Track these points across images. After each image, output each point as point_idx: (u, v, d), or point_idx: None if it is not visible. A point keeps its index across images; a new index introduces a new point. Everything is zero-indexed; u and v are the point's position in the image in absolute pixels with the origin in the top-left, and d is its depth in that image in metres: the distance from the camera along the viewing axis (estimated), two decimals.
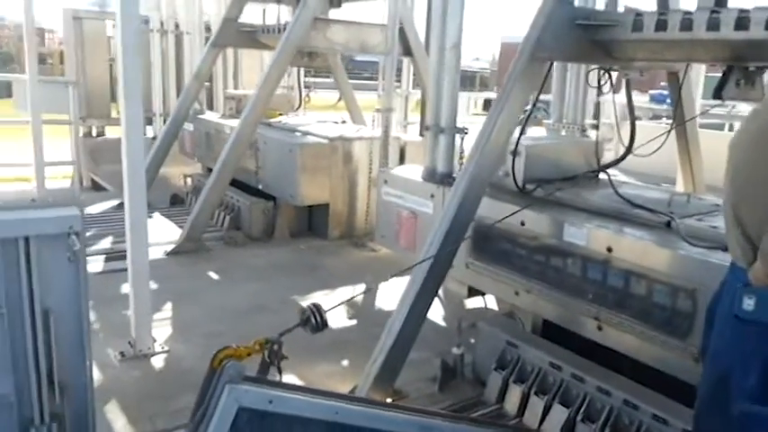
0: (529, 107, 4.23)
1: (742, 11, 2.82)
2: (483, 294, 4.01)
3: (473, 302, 4.23)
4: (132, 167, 3.54)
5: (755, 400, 1.83)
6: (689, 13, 3.04)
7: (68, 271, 2.37)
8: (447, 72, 4.12)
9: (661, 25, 3.10)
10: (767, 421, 1.82)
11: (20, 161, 8.35)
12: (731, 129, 8.86)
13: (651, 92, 11.24)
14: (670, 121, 5.33)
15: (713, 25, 2.91)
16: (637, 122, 4.19)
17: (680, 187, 4.85)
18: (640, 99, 11.31)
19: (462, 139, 4.29)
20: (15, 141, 10.55)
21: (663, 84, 8.07)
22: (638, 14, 3.21)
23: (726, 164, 1.97)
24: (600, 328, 3.04)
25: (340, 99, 8.30)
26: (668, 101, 6.98)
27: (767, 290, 1.82)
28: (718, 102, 4.03)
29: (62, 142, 8.51)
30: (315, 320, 2.40)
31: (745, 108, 6.73)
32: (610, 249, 2.96)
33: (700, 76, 7.68)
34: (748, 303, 1.84)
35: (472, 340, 3.68)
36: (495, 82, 28.23)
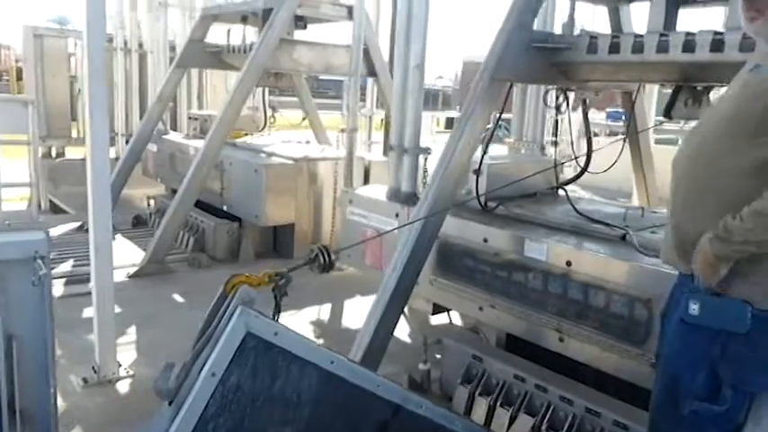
0: (490, 126, 4.36)
1: (689, 34, 2.98)
2: (448, 311, 4.07)
3: (438, 319, 4.29)
4: (97, 188, 3.51)
5: (703, 399, 1.94)
6: (640, 36, 3.20)
7: (33, 296, 2.35)
8: (410, 93, 4.21)
9: (614, 48, 3.24)
10: (715, 418, 1.93)
11: None
12: None
13: (609, 110, 11.62)
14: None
15: (662, 48, 3.06)
16: (595, 139, 4.35)
17: (636, 200, 5.02)
18: (598, 117, 11.68)
19: (426, 158, 4.38)
20: None
21: (619, 102, 8.36)
22: (593, 37, 3.36)
23: (670, 179, 2.08)
24: (561, 340, 3.12)
25: (305, 119, 8.35)
26: (624, 118, 7.23)
27: (710, 296, 1.92)
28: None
29: (17, 163, 8.33)
30: (323, 260, 2.43)
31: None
32: (569, 263, 3.06)
33: (653, 95, 7.98)
34: (693, 308, 1.95)
35: (438, 356, 3.73)
36: (458, 100, 28.66)
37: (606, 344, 2.92)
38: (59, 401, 3.32)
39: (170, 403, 1.95)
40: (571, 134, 4.31)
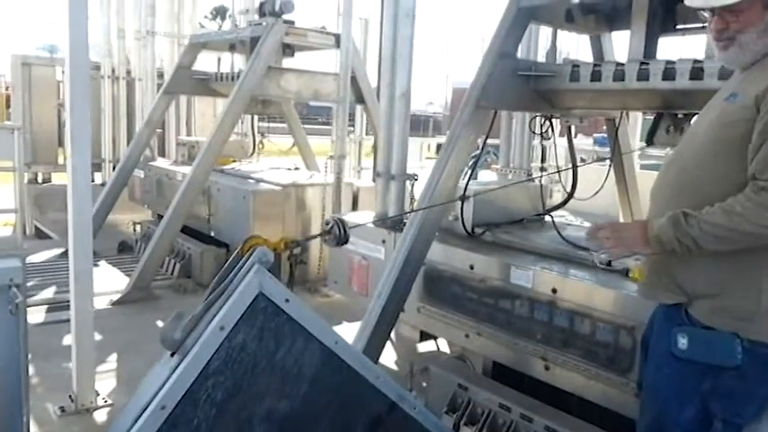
0: (477, 152, 4.37)
1: (669, 62, 3.02)
2: (435, 338, 4.03)
3: (425, 346, 4.25)
4: (78, 215, 3.47)
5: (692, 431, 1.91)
6: (621, 64, 3.24)
7: (8, 324, 2.31)
8: (397, 120, 4.23)
9: (596, 76, 3.28)
10: None
11: None
12: None
13: (596, 135, 11.71)
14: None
15: (643, 76, 3.10)
16: (582, 165, 4.37)
17: None
18: (585, 142, 11.77)
19: (413, 184, 4.38)
20: None
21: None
22: (575, 66, 3.39)
23: (648, 209, 2.09)
24: (547, 368, 3.09)
25: (294, 145, 8.36)
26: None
27: (699, 329, 1.91)
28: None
29: (2, 188, 8.27)
30: (338, 232, 2.41)
31: None
32: (554, 291, 3.04)
33: (638, 121, 8.07)
34: (682, 343, 1.93)
35: (425, 384, 3.68)
36: (448, 126, 28.89)
37: (592, 372, 2.89)
38: (35, 430, 3.25)
39: (172, 354, 1.95)
40: (557, 160, 4.33)
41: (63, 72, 8.96)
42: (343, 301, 5.10)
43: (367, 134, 10.03)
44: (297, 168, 7.74)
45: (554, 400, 3.12)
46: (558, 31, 4.02)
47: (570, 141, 4.32)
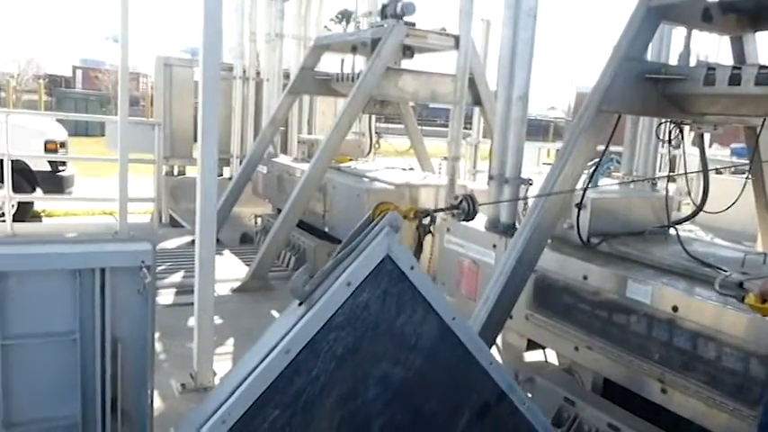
0: (597, 159, 4.17)
1: None
2: (543, 348, 3.90)
3: (532, 355, 4.13)
4: (205, 207, 3.72)
5: None
6: (765, 67, 2.96)
7: (138, 302, 2.51)
8: (513, 123, 4.13)
9: (735, 79, 3.02)
10: None
11: (105, 196, 8.90)
12: None
13: (733, 145, 10.81)
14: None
15: None
16: (716, 177, 4.05)
17: (760, 246, 4.61)
18: (721, 153, 10.91)
19: (527, 189, 4.26)
20: (100, 177, 11.27)
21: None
22: (711, 68, 3.15)
23: None
24: (664, 391, 2.89)
25: (410, 147, 8.44)
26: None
27: None
28: None
29: (144, 179, 9.02)
30: (467, 207, 2.46)
31: None
32: (675, 309, 2.84)
33: None
34: None
35: (529, 395, 3.58)
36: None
37: (715, 400, 2.67)
38: (158, 404, 3.51)
39: (300, 304, 2.04)
40: (686, 169, 4.04)
41: None
42: (449, 302, 5.07)
43: (484, 137, 9.91)
44: (411, 169, 7.80)
45: (668, 424, 2.92)
46: (693, 31, 3.74)
47: (702, 150, 4.01)
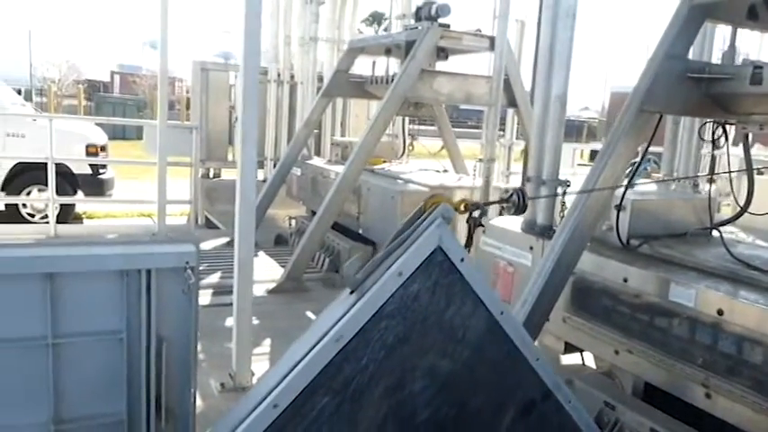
0: (637, 160, 4.11)
1: None
2: (581, 351, 3.85)
3: (570, 359, 4.08)
4: (244, 210, 3.78)
5: None
6: None
7: (182, 302, 2.56)
8: (551, 123, 4.09)
9: None
10: None
11: (144, 198, 9.10)
12: None
13: None
14: None
15: None
16: (757, 177, 3.95)
17: None
18: (764, 153, 10.62)
19: (564, 191, 4.22)
20: (137, 180, 11.50)
21: None
22: (758, 67, 3.08)
23: None
24: (708, 396, 2.83)
25: (443, 148, 8.42)
26: None
27: None
28: None
29: (180, 181, 9.18)
30: (518, 200, 2.45)
31: None
32: (720, 312, 2.78)
33: None
34: None
35: None
36: (604, 132, 27.48)
37: (762, 406, 2.60)
38: (199, 402, 3.57)
39: (352, 292, 2.06)
40: (729, 170, 3.95)
41: (235, 76, 9.78)
42: None
43: (517, 138, 9.84)
44: (445, 171, 7.79)
45: (712, 430, 2.85)
46: (738, 29, 3.66)
47: (747, 150, 3.91)
